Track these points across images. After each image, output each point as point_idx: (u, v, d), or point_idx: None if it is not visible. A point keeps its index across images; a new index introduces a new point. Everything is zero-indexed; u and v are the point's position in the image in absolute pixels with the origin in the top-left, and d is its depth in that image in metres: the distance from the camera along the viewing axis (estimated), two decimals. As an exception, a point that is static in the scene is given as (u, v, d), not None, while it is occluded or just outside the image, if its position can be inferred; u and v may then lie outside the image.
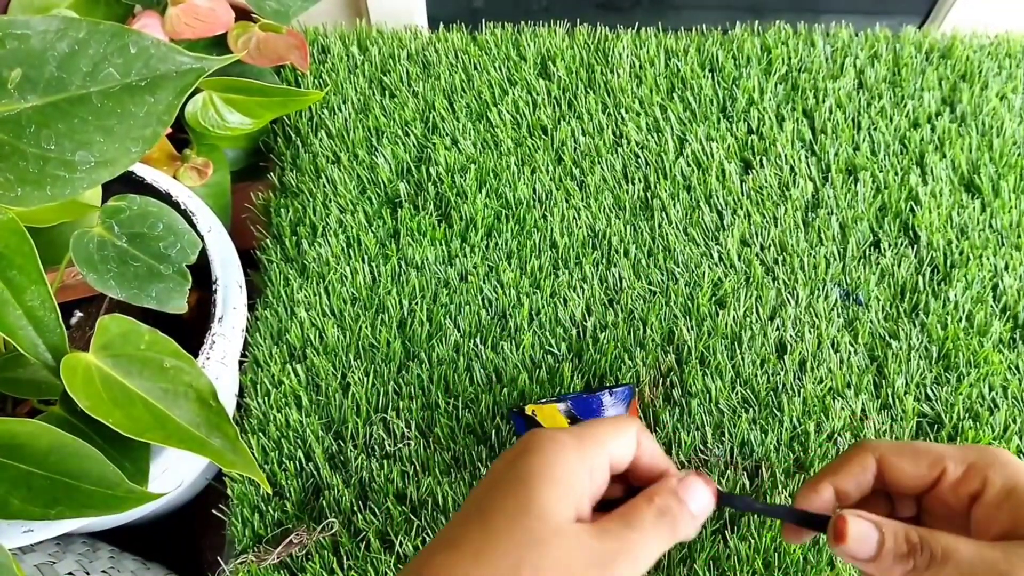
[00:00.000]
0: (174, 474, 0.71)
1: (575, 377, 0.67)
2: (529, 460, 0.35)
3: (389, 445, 0.64)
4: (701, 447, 0.64)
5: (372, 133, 0.81)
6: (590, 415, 0.57)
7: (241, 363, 0.69)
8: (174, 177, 0.74)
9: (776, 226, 0.75)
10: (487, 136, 0.81)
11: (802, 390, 0.66)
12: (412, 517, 0.61)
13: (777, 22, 0.90)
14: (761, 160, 0.79)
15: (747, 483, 0.62)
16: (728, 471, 0.62)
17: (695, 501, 0.35)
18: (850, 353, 0.68)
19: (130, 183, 0.69)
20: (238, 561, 0.60)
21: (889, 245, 0.74)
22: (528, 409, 0.58)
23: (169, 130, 0.78)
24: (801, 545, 0.59)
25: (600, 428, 0.37)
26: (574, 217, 0.75)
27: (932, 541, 0.35)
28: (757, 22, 0.90)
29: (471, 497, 0.36)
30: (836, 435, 0.64)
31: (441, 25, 0.91)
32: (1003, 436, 0.63)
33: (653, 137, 0.81)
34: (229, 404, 0.69)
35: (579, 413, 0.57)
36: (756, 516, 0.60)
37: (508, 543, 0.33)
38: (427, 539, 0.60)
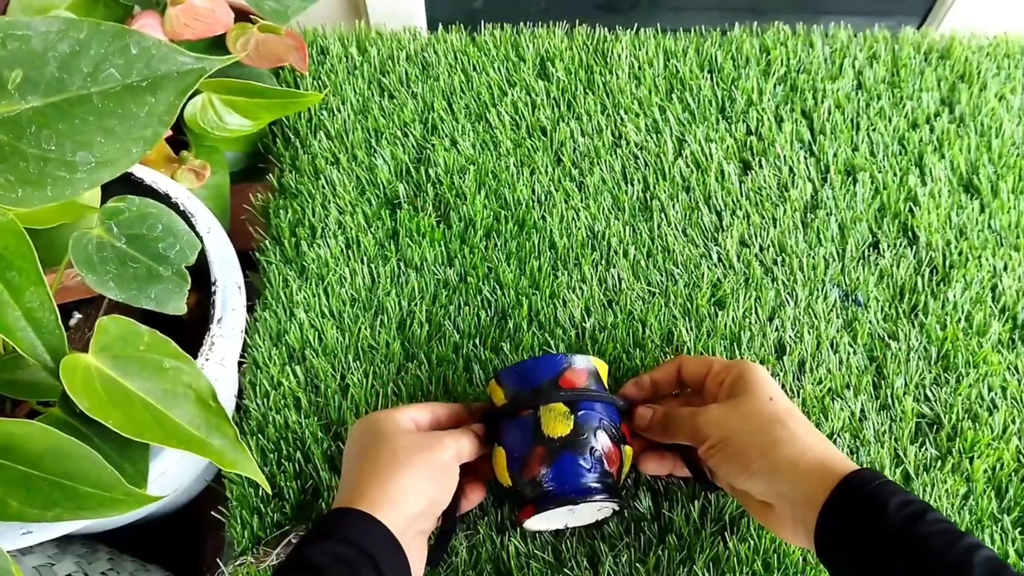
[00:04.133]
0: (173, 476, 0.71)
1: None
2: (368, 420, 0.55)
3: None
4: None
5: (371, 134, 0.81)
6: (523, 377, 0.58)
7: (240, 364, 0.69)
8: (172, 179, 0.74)
9: (775, 227, 0.75)
10: (486, 137, 0.81)
11: (801, 391, 0.66)
12: (412, 518, 0.61)
13: (776, 23, 0.90)
14: (760, 161, 0.79)
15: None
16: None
17: (477, 428, 0.58)
18: (849, 354, 0.68)
19: (129, 184, 0.69)
20: (237, 563, 0.60)
21: (888, 246, 0.74)
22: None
23: (169, 132, 0.78)
24: (801, 547, 0.59)
25: (405, 407, 0.57)
26: (573, 218, 0.75)
27: (671, 415, 0.57)
28: (756, 23, 0.90)
29: (351, 465, 0.54)
30: (835, 436, 0.64)
31: (440, 26, 0.91)
32: (1002, 436, 0.63)
33: (652, 138, 0.81)
34: (228, 405, 0.69)
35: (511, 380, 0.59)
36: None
37: (371, 454, 0.53)
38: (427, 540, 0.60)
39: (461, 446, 0.55)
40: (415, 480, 0.52)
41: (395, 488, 0.51)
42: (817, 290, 0.71)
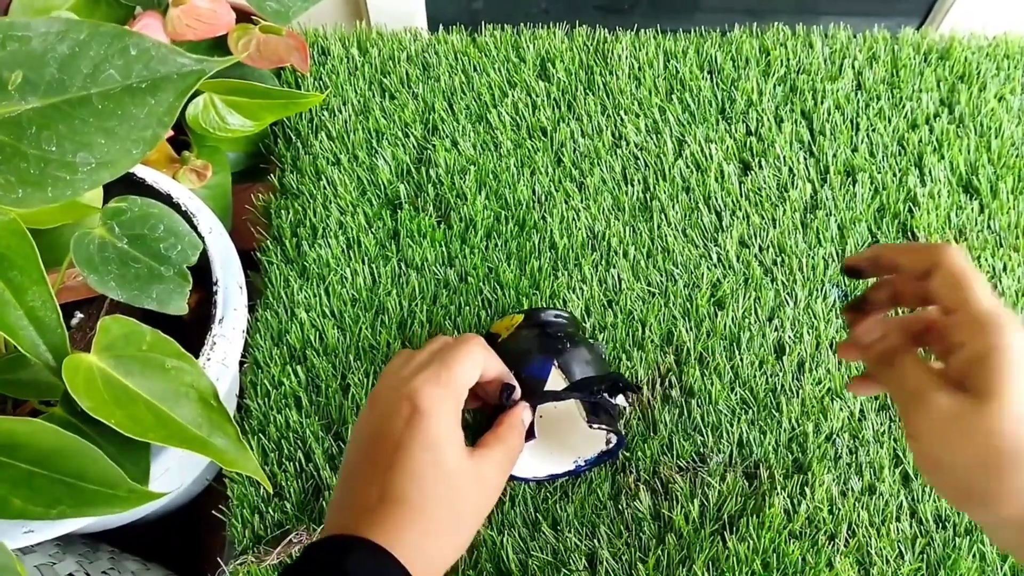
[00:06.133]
0: (174, 475, 0.71)
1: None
2: (426, 424, 0.45)
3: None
4: (701, 450, 0.64)
5: (372, 135, 0.81)
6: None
7: (241, 364, 0.69)
8: (173, 179, 0.74)
9: (775, 227, 0.75)
10: (487, 138, 0.81)
11: (801, 391, 0.66)
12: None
13: (776, 24, 0.90)
14: (760, 161, 0.79)
15: (746, 484, 0.62)
16: (727, 473, 0.62)
17: (527, 419, 0.51)
18: (849, 354, 0.68)
19: (131, 184, 0.69)
20: (238, 562, 0.60)
21: (888, 246, 0.74)
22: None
23: (171, 132, 0.78)
24: (800, 546, 0.59)
25: (456, 365, 0.47)
26: (573, 218, 0.76)
27: (898, 361, 0.44)
28: (756, 24, 0.90)
29: (386, 467, 0.44)
30: (835, 436, 0.64)
31: (441, 27, 0.91)
32: (1001, 436, 0.64)
33: (652, 139, 0.81)
34: (230, 405, 0.69)
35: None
36: (755, 517, 0.60)
37: (433, 505, 0.43)
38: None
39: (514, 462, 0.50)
40: (466, 538, 0.46)
41: (447, 547, 0.44)
42: (817, 290, 0.71)
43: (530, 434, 0.52)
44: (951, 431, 0.40)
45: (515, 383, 0.53)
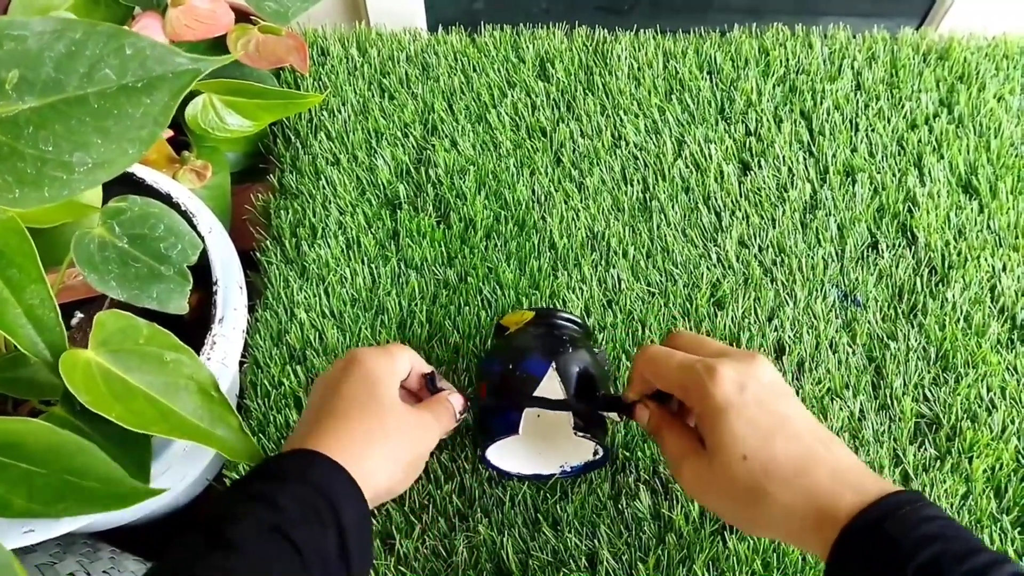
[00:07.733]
0: (175, 473, 0.71)
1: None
2: (363, 367, 0.50)
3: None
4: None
5: (371, 135, 0.81)
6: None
7: (241, 364, 0.69)
8: (173, 179, 0.74)
9: (774, 227, 0.75)
10: (486, 138, 0.81)
11: (800, 391, 0.66)
12: (412, 519, 0.61)
13: (775, 24, 0.90)
14: (759, 162, 0.79)
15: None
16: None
17: (457, 404, 0.55)
18: (848, 354, 0.68)
19: (131, 184, 0.69)
20: (237, 561, 0.60)
21: (887, 246, 0.74)
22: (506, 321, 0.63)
23: (170, 133, 0.78)
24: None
25: (392, 348, 0.54)
26: (573, 218, 0.76)
27: (664, 427, 0.51)
28: (755, 24, 0.90)
29: (322, 396, 0.50)
30: (834, 435, 0.64)
31: (440, 27, 0.91)
32: (1001, 436, 0.63)
33: (652, 139, 0.81)
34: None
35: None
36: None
37: (364, 416, 0.48)
38: (427, 540, 0.60)
39: (444, 431, 0.54)
40: (402, 464, 0.49)
41: (377, 459, 0.47)
42: (816, 290, 0.71)
43: (513, 428, 0.54)
44: (704, 486, 0.47)
45: (433, 371, 0.57)
